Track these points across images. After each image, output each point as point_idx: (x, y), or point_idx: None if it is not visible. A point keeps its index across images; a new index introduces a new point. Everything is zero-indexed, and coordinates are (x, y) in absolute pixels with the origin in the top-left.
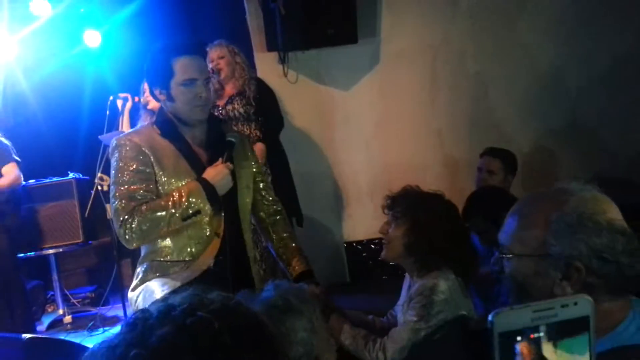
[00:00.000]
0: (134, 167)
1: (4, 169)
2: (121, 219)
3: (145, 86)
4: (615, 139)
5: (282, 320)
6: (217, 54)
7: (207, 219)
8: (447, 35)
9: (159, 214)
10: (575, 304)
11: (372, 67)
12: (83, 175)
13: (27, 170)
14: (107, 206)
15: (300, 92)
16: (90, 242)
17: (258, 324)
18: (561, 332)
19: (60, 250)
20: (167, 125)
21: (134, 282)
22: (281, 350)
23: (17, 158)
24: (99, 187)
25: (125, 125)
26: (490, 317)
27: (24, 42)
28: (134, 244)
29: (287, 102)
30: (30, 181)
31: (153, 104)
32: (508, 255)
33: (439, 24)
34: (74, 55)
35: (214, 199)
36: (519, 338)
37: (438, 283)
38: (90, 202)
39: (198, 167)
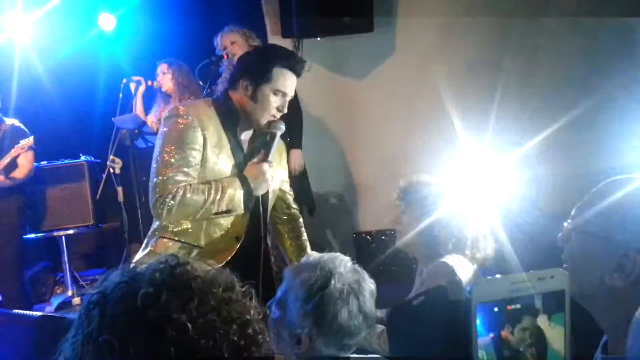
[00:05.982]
0: (183, 145)
1: (22, 157)
2: (160, 194)
3: (159, 69)
4: None
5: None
6: (229, 41)
7: (230, 218)
8: (463, 26)
9: (198, 198)
10: (552, 277)
11: (388, 56)
12: (95, 158)
13: (40, 152)
14: (119, 189)
15: (314, 81)
16: (100, 225)
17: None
18: (556, 305)
19: (71, 232)
20: (231, 116)
21: (139, 256)
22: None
23: (34, 146)
24: (111, 170)
25: (138, 109)
26: (469, 288)
27: (38, 24)
28: (164, 218)
29: (301, 90)
30: (42, 162)
31: (167, 87)
32: (573, 228)
33: (455, 13)
34: (88, 39)
35: (250, 201)
36: (495, 309)
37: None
38: (101, 185)
39: (239, 160)
